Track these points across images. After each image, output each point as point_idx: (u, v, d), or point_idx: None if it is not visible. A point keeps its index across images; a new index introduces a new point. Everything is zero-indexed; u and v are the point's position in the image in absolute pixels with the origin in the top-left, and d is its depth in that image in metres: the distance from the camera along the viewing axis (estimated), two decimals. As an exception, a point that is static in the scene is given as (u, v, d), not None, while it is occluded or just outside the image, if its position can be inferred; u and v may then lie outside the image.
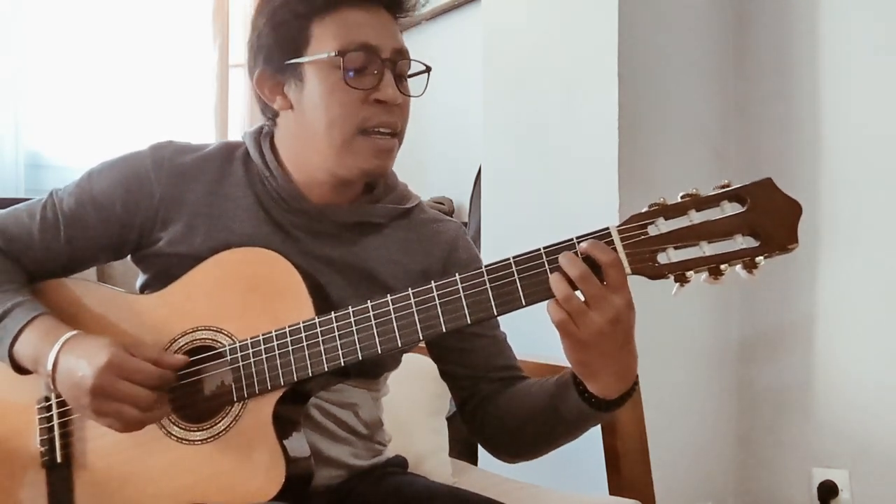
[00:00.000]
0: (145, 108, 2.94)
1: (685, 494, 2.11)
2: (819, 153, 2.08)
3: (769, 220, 0.94)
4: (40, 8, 2.78)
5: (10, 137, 2.64)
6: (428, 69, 1.22)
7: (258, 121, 1.29)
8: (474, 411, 1.26)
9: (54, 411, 1.18)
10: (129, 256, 1.27)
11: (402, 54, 1.18)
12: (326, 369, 1.06)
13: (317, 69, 1.15)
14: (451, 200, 3.00)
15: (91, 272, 1.58)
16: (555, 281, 0.97)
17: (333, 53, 1.13)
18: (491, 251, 2.30)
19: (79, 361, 1.08)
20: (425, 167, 3.04)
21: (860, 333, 2.02)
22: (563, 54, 2.17)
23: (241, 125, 3.07)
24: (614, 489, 1.67)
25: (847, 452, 2.02)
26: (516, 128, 2.32)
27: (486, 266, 1.01)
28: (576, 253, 0.98)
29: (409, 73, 1.20)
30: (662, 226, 0.96)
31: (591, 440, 1.71)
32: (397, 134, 1.18)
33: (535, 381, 1.20)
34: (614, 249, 0.97)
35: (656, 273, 0.96)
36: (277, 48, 1.17)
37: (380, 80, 1.14)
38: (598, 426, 1.65)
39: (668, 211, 0.97)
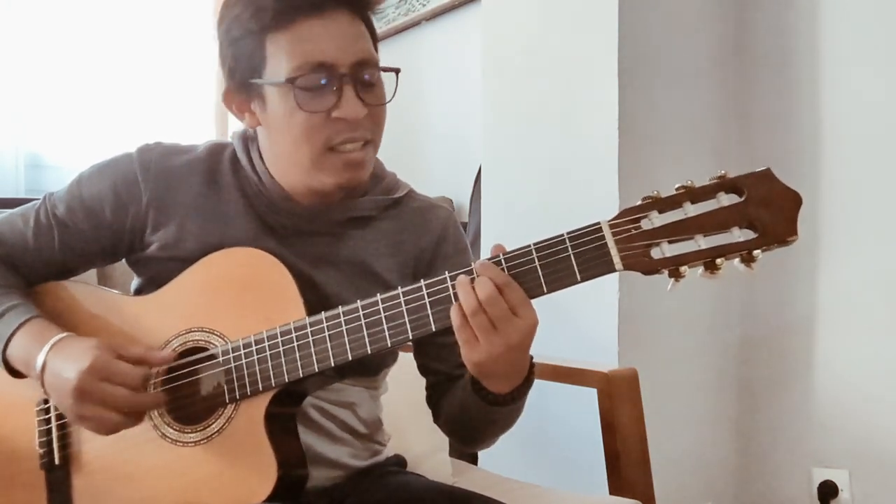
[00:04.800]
0: (145, 108, 2.95)
1: (685, 494, 2.10)
2: (819, 152, 2.07)
3: (767, 211, 0.91)
4: (40, 8, 2.78)
5: (10, 137, 2.65)
6: (396, 71, 1.15)
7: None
8: (438, 401, 1.29)
9: (52, 413, 1.18)
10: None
11: (363, 64, 1.12)
12: (317, 370, 1.06)
13: (276, 91, 1.11)
14: (451, 200, 2.99)
15: (91, 274, 1.58)
16: (464, 295, 0.98)
17: (283, 80, 1.09)
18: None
19: (64, 364, 1.08)
20: (425, 167, 3.04)
21: (860, 333, 2.01)
22: (563, 54, 2.16)
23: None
24: (614, 489, 1.66)
25: (847, 452, 2.01)
26: (516, 128, 2.31)
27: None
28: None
29: (383, 67, 1.15)
30: (656, 219, 0.94)
31: (591, 440, 1.71)
32: (369, 142, 1.15)
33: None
34: (503, 270, 0.98)
35: (649, 268, 0.94)
36: (237, 66, 1.14)
37: (339, 96, 1.10)
38: (599, 427, 1.68)
39: (662, 204, 0.94)
